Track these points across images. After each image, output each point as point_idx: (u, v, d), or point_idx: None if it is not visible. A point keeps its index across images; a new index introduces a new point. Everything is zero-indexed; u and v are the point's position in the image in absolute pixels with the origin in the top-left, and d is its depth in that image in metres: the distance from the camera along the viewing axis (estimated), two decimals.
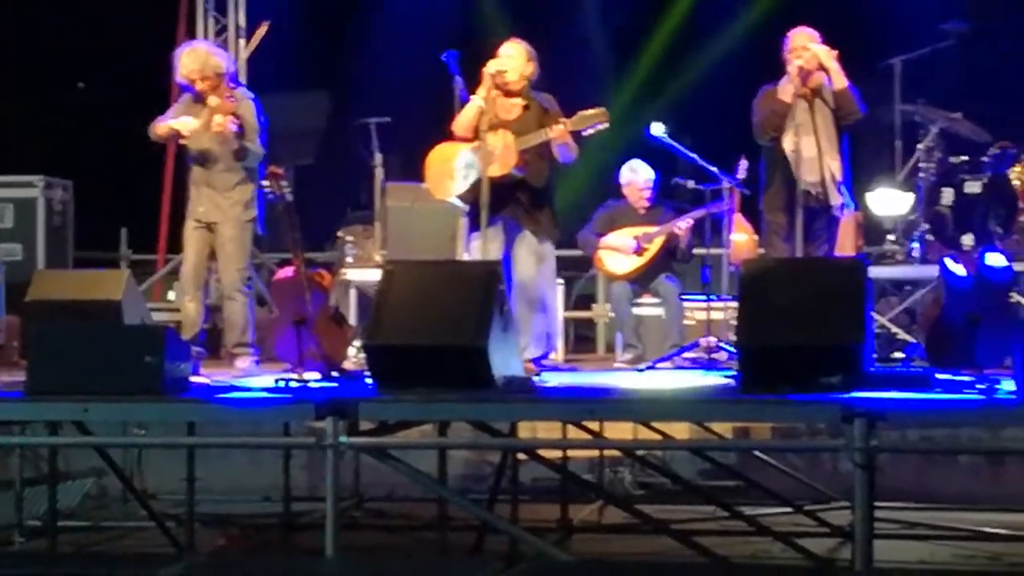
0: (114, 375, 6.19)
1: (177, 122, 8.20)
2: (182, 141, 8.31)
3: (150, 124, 8.29)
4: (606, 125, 7.81)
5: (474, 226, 7.94)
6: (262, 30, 9.87)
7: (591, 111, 7.83)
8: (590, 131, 7.81)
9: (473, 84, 8.01)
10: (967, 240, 9.87)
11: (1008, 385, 6.13)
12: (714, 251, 9.56)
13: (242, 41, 11.79)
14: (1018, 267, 9.05)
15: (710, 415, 6.85)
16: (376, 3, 14.20)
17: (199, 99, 8.21)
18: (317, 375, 7.16)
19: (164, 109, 8.60)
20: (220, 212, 8.17)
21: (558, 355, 9.64)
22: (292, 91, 12.60)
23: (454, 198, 8.09)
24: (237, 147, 8.08)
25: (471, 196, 7.94)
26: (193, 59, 8.17)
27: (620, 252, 9.48)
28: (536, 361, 7.86)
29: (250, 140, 8.14)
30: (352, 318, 9.47)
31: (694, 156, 9.12)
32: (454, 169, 7.99)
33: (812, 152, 7.98)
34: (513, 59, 7.96)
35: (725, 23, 12.88)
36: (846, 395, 5.86)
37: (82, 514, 8.42)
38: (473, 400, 6.14)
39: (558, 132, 7.76)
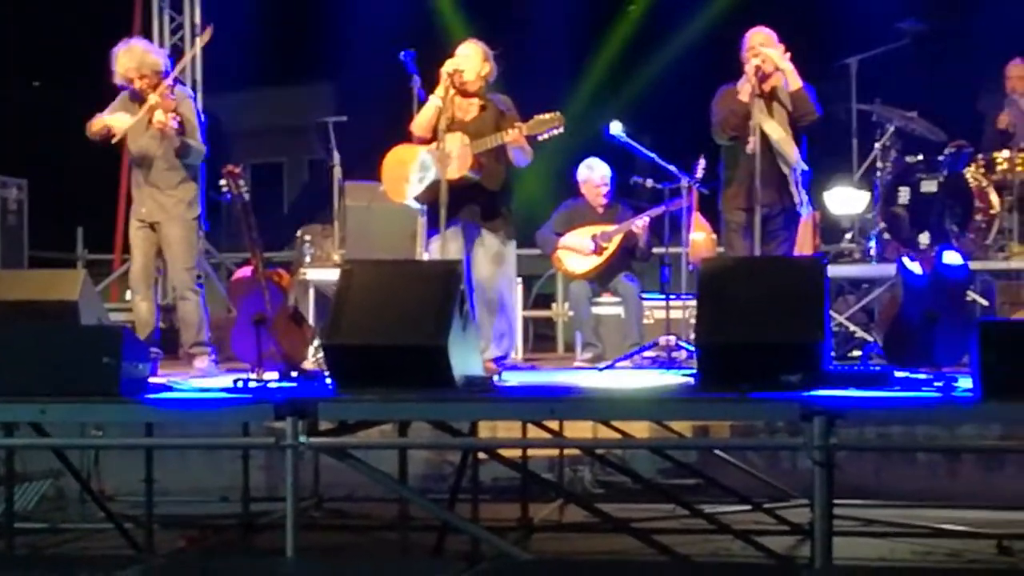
0: (71, 376, 6.14)
1: (110, 118, 8.11)
2: (114, 139, 8.18)
3: (87, 122, 8.19)
4: (561, 130, 7.84)
5: (433, 228, 7.94)
6: (206, 35, 9.81)
7: (547, 116, 7.85)
8: (545, 136, 7.84)
9: (431, 84, 8.01)
10: (923, 239, 9.94)
11: (965, 383, 6.17)
12: (673, 250, 9.58)
13: (198, 39, 11.73)
14: (974, 265, 9.13)
15: (670, 414, 6.86)
16: (333, 2, 14.18)
17: (136, 98, 8.13)
18: (276, 375, 7.12)
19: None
20: (163, 212, 8.11)
21: (518, 354, 9.64)
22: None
23: (410, 201, 8.09)
24: (179, 144, 8.03)
25: (427, 198, 7.94)
26: (130, 58, 8.10)
27: (579, 251, 9.50)
28: (497, 361, 7.86)
29: (191, 137, 8.10)
30: (311, 318, 9.44)
31: (652, 155, 9.14)
32: (410, 172, 7.99)
33: (780, 135, 8.02)
34: (470, 59, 7.96)
35: (683, 22, 12.92)
36: (805, 393, 5.87)
37: (39, 516, 8.34)
38: (433, 399, 6.12)
39: (514, 136, 7.78)
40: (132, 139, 8.13)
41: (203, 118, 8.21)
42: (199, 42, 10.58)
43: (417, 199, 8.05)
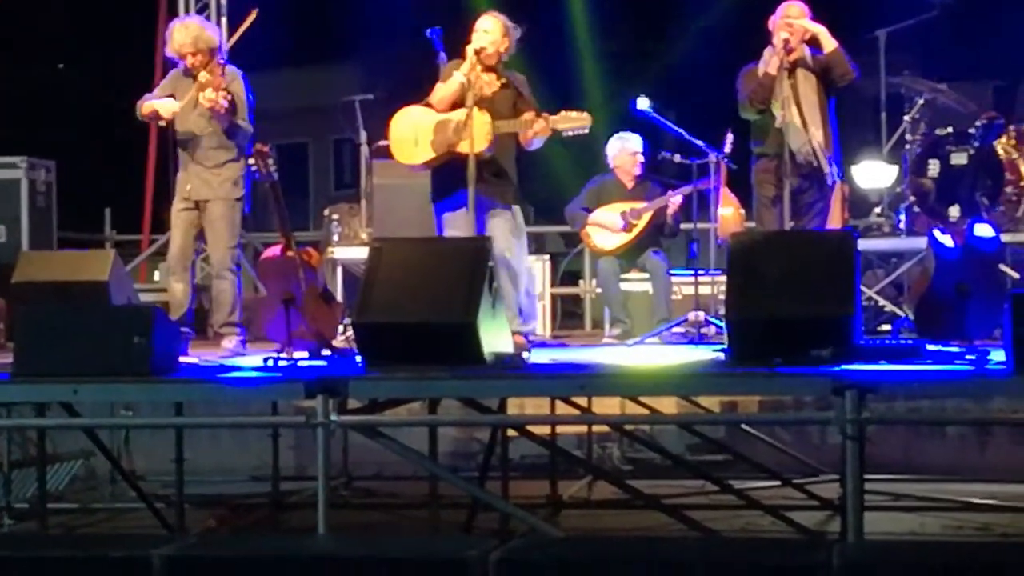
0: (102, 356, 6.15)
1: (159, 103, 8.13)
2: (162, 123, 8.24)
3: (137, 103, 8.23)
4: (586, 131, 7.83)
5: (440, 199, 7.93)
6: (250, 18, 9.80)
7: (575, 114, 7.84)
8: (570, 133, 7.83)
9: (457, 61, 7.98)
10: (953, 211, 9.89)
11: (997, 356, 6.14)
12: (701, 226, 9.55)
13: (224, 19, 11.71)
14: (1005, 238, 9.07)
15: (700, 389, 6.85)
16: None
17: (188, 74, 8.15)
18: (306, 354, 7.14)
19: (145, 88, 8.54)
20: (210, 190, 8.12)
21: (545, 331, 9.64)
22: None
23: (417, 163, 8.05)
24: (228, 124, 8.03)
25: (435, 164, 7.93)
26: (185, 33, 8.10)
27: (608, 228, 9.47)
28: (525, 335, 7.84)
29: (241, 117, 8.10)
30: (339, 296, 9.44)
31: (680, 130, 9.10)
32: (421, 136, 7.96)
33: (798, 122, 7.99)
34: (490, 33, 7.93)
35: None
36: (836, 367, 5.86)
37: (71, 496, 8.40)
38: (463, 377, 6.13)
39: (540, 127, 7.77)
40: (180, 118, 8.14)
41: (252, 97, 8.21)
42: (242, 26, 10.59)
43: (426, 164, 8.01)
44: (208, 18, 11.69)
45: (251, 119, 8.17)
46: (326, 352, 7.18)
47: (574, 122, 7.80)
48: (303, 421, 6.09)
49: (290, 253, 7.49)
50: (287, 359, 6.91)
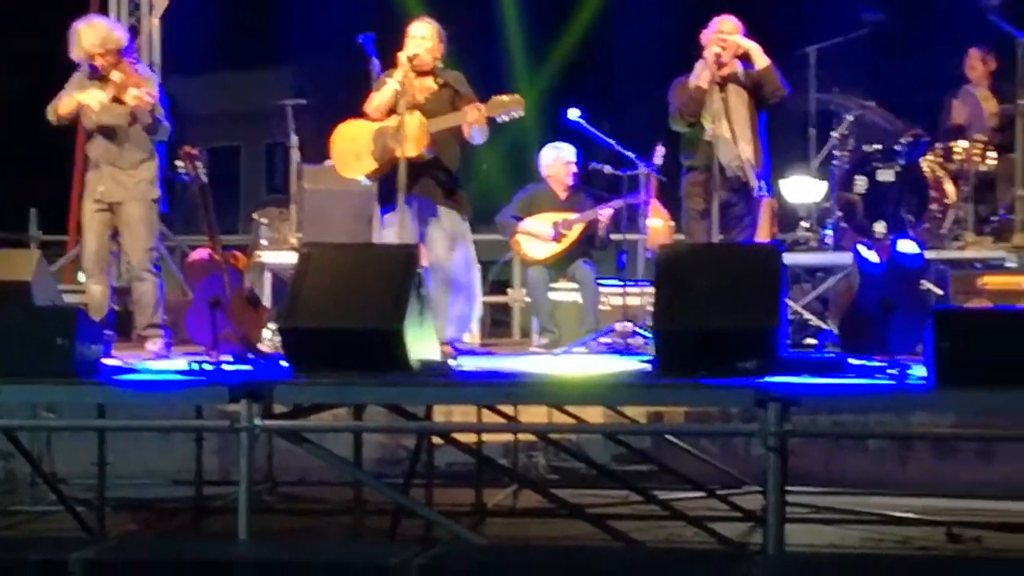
0: (24, 357, 6.10)
1: (83, 95, 7.95)
2: (93, 116, 8.02)
3: (47, 107, 8.05)
4: (521, 112, 7.79)
5: (384, 205, 7.92)
6: (157, 13, 9.69)
7: (507, 97, 7.80)
8: (505, 118, 7.79)
9: (388, 66, 7.97)
10: (879, 228, 9.99)
11: (919, 371, 6.20)
12: (631, 237, 9.59)
13: (155, 20, 11.63)
14: (930, 255, 9.18)
15: (626, 399, 6.87)
16: None
17: (96, 75, 8.00)
18: (231, 358, 7.10)
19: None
20: (125, 191, 8.00)
21: (474, 338, 9.63)
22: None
23: (361, 177, 8.04)
24: (150, 120, 7.93)
25: (378, 174, 7.91)
26: (94, 35, 7.95)
27: (538, 237, 9.49)
28: (452, 343, 7.84)
29: (159, 115, 8.01)
30: (266, 301, 9.40)
31: (611, 141, 9.13)
32: (361, 148, 7.94)
33: (728, 136, 8.04)
34: (426, 40, 7.93)
35: (643, 8, 12.92)
36: (760, 380, 5.90)
37: None
38: (388, 383, 6.12)
39: (474, 117, 7.73)
40: (96, 117, 7.99)
41: (165, 96, 8.11)
42: (154, 16, 10.50)
43: (368, 175, 8.00)
44: (139, 19, 11.62)
45: (166, 116, 8.06)
46: (251, 356, 7.14)
47: (507, 105, 7.75)
48: (227, 425, 6.04)
49: (217, 256, 7.45)
50: (212, 363, 6.86)
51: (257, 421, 5.87)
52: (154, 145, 8.03)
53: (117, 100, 7.94)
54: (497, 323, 11.43)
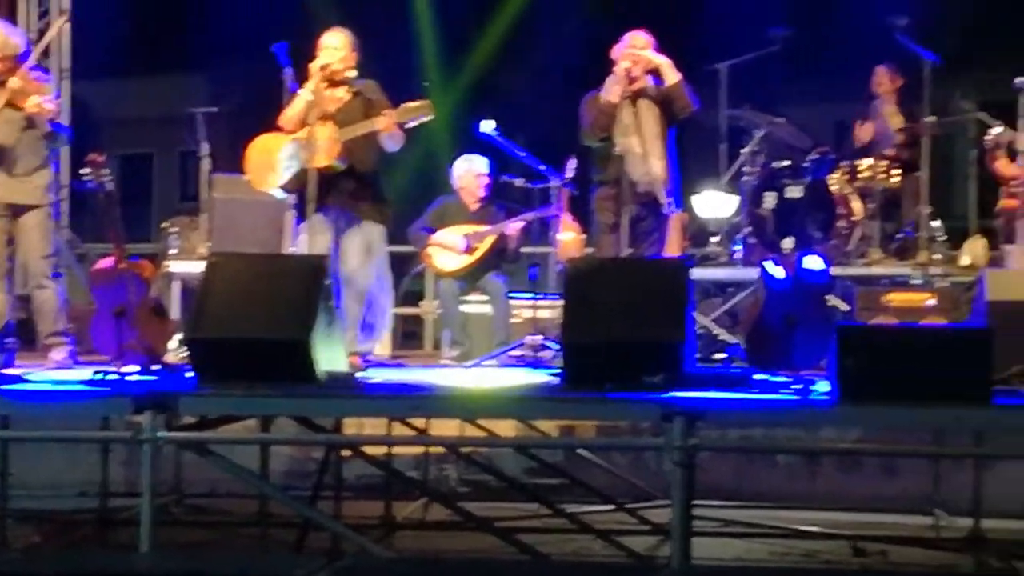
0: None
1: None
2: None
3: None
4: (431, 117, 7.80)
5: (301, 217, 7.88)
6: (59, 22, 9.52)
7: (415, 103, 7.80)
8: (414, 123, 7.79)
9: (301, 75, 7.94)
10: (787, 243, 10.09)
11: (823, 386, 6.27)
12: (542, 250, 9.62)
13: (65, 24, 11.48)
14: (835, 271, 9.28)
15: (533, 413, 6.88)
16: None
17: None
18: (137, 368, 7.03)
19: None
20: (21, 198, 7.91)
21: (385, 350, 9.60)
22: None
23: (275, 190, 8.01)
24: (49, 129, 7.84)
25: (293, 186, 7.88)
26: None
27: (450, 249, 9.48)
28: (362, 356, 7.82)
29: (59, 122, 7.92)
30: (176, 311, 9.32)
31: (523, 154, 9.15)
32: (276, 161, 7.91)
33: (638, 151, 8.08)
34: (338, 50, 7.91)
35: (556, 22, 12.97)
36: (666, 394, 5.93)
37: None
38: (295, 395, 6.08)
39: (384, 124, 7.73)
40: None
41: (59, 103, 8.00)
42: (55, 27, 10.36)
43: (283, 188, 7.97)
44: (48, 24, 11.47)
45: (65, 123, 7.97)
46: (157, 367, 7.08)
47: (416, 111, 7.76)
48: (129, 436, 5.97)
49: (122, 265, 7.38)
50: (117, 373, 6.79)
51: (161, 432, 5.81)
52: (49, 152, 7.93)
53: (12, 105, 7.85)
54: (409, 335, 11.40)
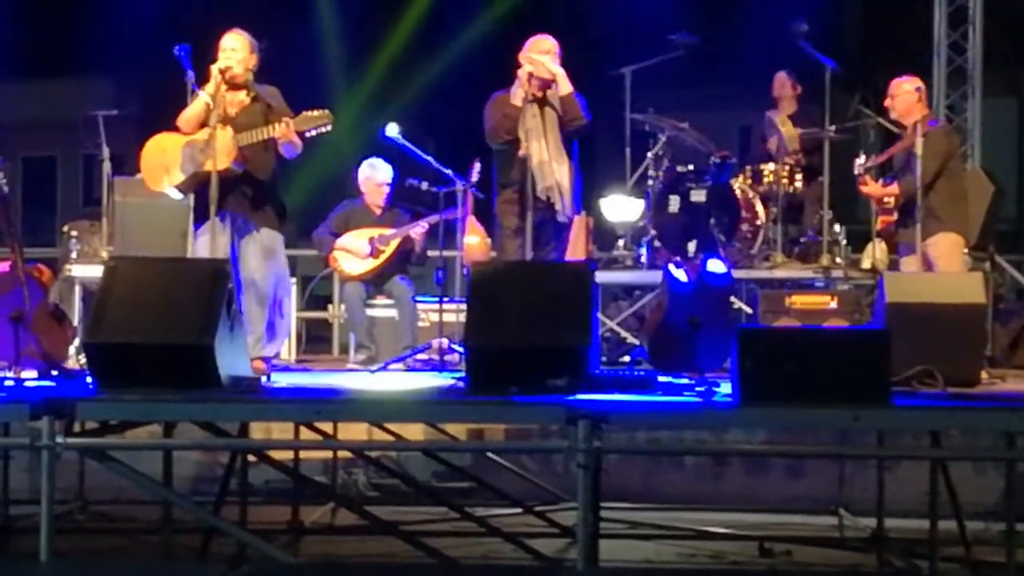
0: None
1: None
2: None
3: None
4: (329, 128, 7.76)
5: (199, 220, 7.80)
6: None
7: (315, 112, 7.76)
8: (312, 133, 7.76)
9: (204, 78, 7.87)
10: (692, 247, 10.15)
11: (725, 388, 6.31)
12: (448, 253, 9.59)
13: None
14: (738, 274, 9.37)
15: (438, 416, 6.86)
16: None
17: None
18: (34, 373, 6.92)
19: None
20: None
21: (291, 355, 9.54)
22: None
23: (169, 190, 7.92)
24: None
25: (188, 188, 7.81)
26: None
27: (355, 253, 9.45)
28: (266, 361, 7.75)
29: None
30: (76, 316, 9.19)
31: (428, 158, 9.13)
32: (170, 162, 7.83)
33: (543, 156, 8.07)
34: (237, 52, 7.84)
35: (461, 26, 12.96)
36: (571, 397, 5.94)
37: None
38: (196, 400, 6.02)
39: (281, 131, 7.68)
40: None
41: None
42: None
43: (179, 188, 7.88)
44: None
45: None
46: (55, 372, 6.98)
47: (315, 121, 7.71)
48: (27, 443, 5.87)
49: (18, 270, 7.26)
50: (14, 378, 6.69)
51: (59, 439, 5.72)
52: None
53: None
54: (316, 339, 11.34)
